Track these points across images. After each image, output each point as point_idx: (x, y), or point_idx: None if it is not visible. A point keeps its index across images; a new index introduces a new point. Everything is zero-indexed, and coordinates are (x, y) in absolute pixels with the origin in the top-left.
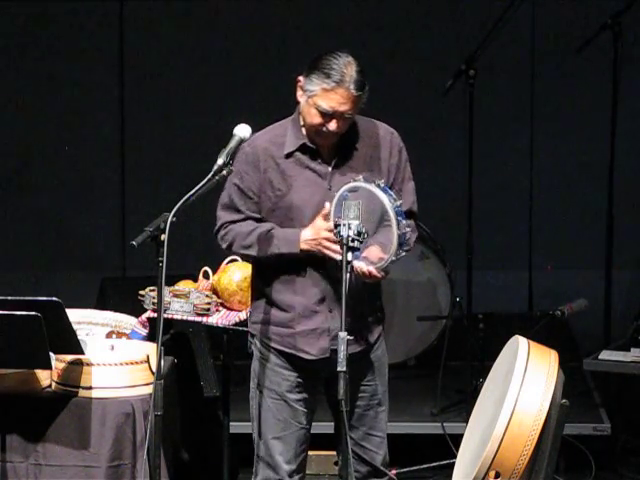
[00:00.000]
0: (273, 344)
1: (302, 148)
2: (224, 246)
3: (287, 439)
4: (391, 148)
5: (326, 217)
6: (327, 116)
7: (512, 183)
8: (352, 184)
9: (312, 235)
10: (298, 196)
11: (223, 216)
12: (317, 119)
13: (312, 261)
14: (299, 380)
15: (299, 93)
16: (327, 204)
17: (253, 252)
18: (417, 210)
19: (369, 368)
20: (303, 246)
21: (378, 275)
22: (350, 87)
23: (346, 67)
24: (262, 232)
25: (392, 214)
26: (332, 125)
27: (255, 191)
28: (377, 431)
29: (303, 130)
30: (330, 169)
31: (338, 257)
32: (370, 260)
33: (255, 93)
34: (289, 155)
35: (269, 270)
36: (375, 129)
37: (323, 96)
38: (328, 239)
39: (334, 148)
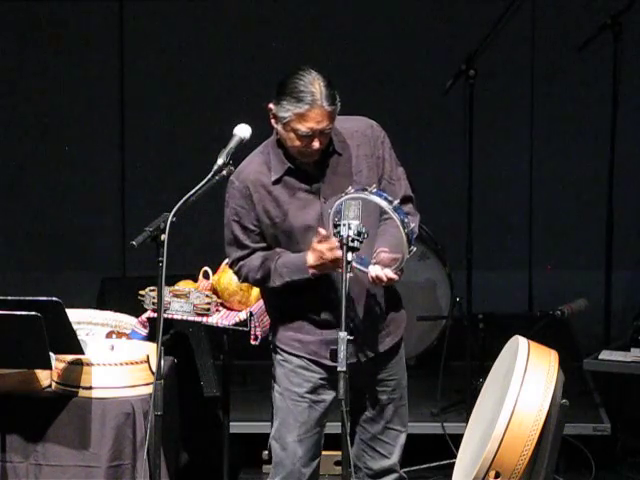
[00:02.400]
0: (297, 352)
1: (288, 172)
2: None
3: (307, 442)
4: (374, 141)
5: (323, 239)
6: (307, 137)
7: (512, 183)
8: (343, 198)
9: (317, 260)
10: (296, 219)
11: (231, 253)
12: (297, 142)
13: (329, 274)
14: (321, 382)
15: (273, 121)
16: (320, 229)
17: (269, 284)
18: (412, 193)
19: (393, 362)
20: (313, 271)
21: (395, 277)
22: (323, 104)
23: (313, 85)
24: (271, 265)
25: (395, 216)
26: (315, 144)
27: (255, 223)
28: (396, 425)
29: (286, 153)
30: (321, 184)
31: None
32: (383, 264)
33: (255, 93)
34: (277, 181)
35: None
36: (354, 127)
37: (298, 120)
38: (336, 258)
39: (319, 161)
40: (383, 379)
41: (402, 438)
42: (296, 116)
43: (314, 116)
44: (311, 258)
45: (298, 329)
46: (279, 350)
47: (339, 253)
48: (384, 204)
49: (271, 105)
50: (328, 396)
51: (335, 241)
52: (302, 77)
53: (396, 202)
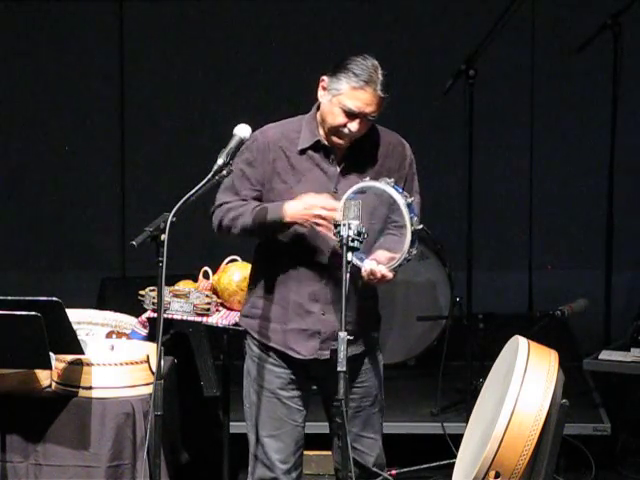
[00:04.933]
0: (264, 340)
1: (315, 146)
2: (215, 223)
3: (282, 437)
4: (402, 159)
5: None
6: (351, 116)
7: (512, 183)
8: (361, 185)
9: (302, 209)
10: (301, 193)
11: (221, 198)
12: (340, 119)
13: (309, 260)
14: (292, 377)
15: (321, 93)
16: (327, 195)
17: (244, 219)
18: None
19: (362, 370)
20: (290, 214)
21: (389, 275)
22: (377, 88)
23: (374, 69)
24: (255, 205)
25: (405, 210)
26: (354, 125)
27: (259, 179)
28: (369, 432)
29: (320, 129)
30: (338, 171)
31: (330, 234)
32: (379, 261)
33: (255, 93)
34: (302, 151)
35: (267, 266)
36: (388, 138)
37: (350, 95)
38: (321, 216)
39: (346, 152)
40: (352, 386)
41: (378, 445)
42: (349, 90)
43: (365, 96)
44: (297, 202)
45: (270, 317)
46: (249, 339)
47: (324, 213)
48: (398, 198)
49: (325, 77)
50: (300, 392)
51: (335, 203)
52: (365, 59)
53: (410, 199)
